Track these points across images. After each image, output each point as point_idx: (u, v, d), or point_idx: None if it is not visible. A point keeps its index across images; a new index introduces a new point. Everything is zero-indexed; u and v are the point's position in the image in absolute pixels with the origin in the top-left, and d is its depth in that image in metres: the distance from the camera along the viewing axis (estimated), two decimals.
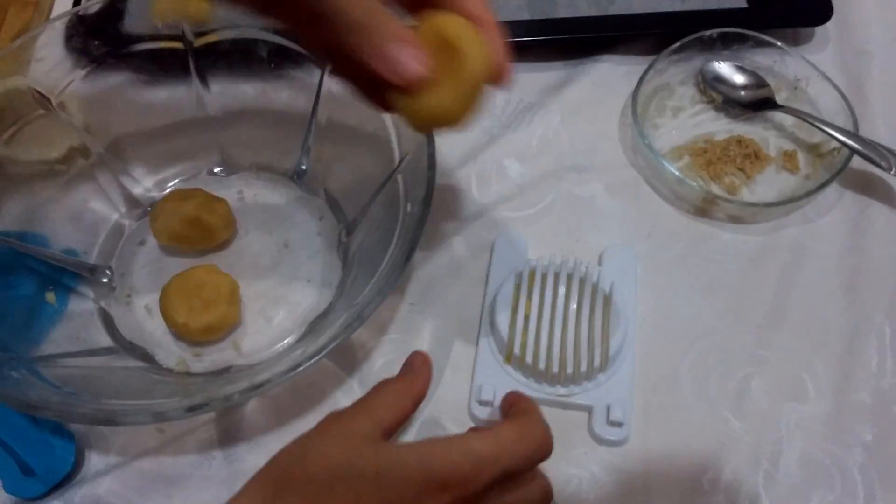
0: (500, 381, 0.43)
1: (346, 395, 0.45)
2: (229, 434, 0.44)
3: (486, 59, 0.29)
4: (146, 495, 0.42)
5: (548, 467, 0.34)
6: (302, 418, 0.44)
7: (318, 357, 0.36)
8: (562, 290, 0.44)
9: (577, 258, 0.46)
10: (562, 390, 0.43)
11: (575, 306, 0.44)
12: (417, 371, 0.37)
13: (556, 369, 0.42)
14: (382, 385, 0.36)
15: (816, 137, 0.51)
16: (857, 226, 0.49)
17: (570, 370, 0.42)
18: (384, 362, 0.46)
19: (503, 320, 0.44)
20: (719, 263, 0.48)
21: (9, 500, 0.42)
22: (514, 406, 0.37)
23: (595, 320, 0.44)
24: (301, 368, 0.36)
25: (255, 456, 0.43)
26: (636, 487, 0.42)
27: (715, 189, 0.50)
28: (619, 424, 0.42)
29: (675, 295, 0.47)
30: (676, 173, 0.48)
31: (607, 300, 0.44)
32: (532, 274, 0.45)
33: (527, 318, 0.44)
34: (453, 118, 0.30)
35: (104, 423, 0.35)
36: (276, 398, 0.44)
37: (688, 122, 0.54)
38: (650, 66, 0.52)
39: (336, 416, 0.33)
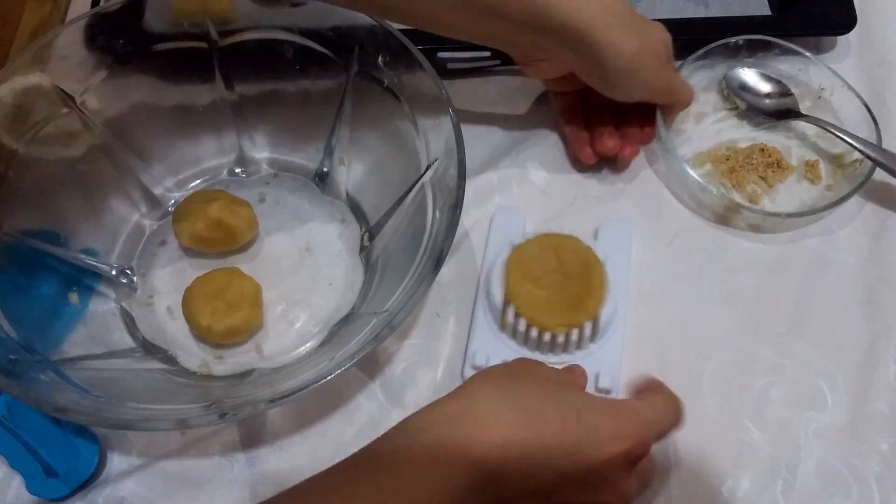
0: (494, 347, 0.45)
1: (368, 399, 0.45)
2: (252, 437, 0.44)
3: None
4: (169, 497, 0.42)
5: None
6: (324, 421, 0.44)
7: (349, 365, 0.36)
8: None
9: (572, 231, 0.47)
10: (553, 358, 0.44)
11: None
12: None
13: (547, 337, 0.43)
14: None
15: (839, 148, 0.51)
16: (878, 237, 0.50)
17: (560, 339, 0.43)
18: (406, 367, 0.46)
19: (497, 289, 0.44)
20: (740, 272, 0.48)
21: (31, 501, 0.42)
22: (649, 386, 0.41)
23: None
24: (331, 376, 0.36)
25: (277, 459, 0.43)
26: (656, 495, 0.42)
27: (736, 197, 0.50)
28: (608, 392, 0.43)
29: (696, 303, 0.47)
30: (699, 180, 0.48)
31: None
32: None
33: None
34: None
35: (132, 428, 0.36)
36: (299, 402, 0.44)
37: (710, 128, 0.54)
38: None
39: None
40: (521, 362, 0.38)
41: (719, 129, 0.54)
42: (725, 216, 0.50)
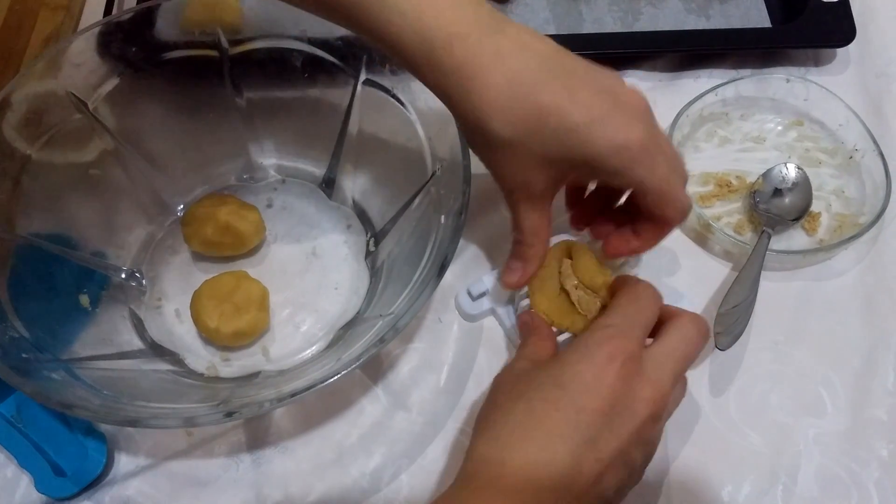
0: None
1: (371, 403, 0.45)
2: (257, 438, 0.44)
3: None
4: (175, 497, 0.43)
5: None
6: (328, 424, 0.45)
7: (354, 366, 0.36)
8: None
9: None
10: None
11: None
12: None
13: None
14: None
15: (852, 209, 0.51)
16: (876, 244, 0.50)
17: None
18: (409, 371, 0.46)
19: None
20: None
21: (39, 500, 0.43)
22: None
23: None
24: (337, 377, 0.36)
25: (282, 460, 0.44)
26: (657, 500, 0.42)
27: (713, 221, 0.49)
28: None
29: (693, 310, 0.48)
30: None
31: None
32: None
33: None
34: None
35: (140, 425, 0.36)
36: (304, 404, 0.45)
37: (730, 155, 0.54)
38: (707, 92, 0.52)
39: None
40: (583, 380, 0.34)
41: (737, 158, 0.53)
42: (702, 234, 0.51)
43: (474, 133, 0.37)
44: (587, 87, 0.35)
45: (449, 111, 0.39)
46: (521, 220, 0.39)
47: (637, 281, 0.39)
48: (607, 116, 0.35)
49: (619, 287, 0.39)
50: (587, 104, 0.35)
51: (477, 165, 0.41)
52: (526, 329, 0.42)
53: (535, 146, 0.35)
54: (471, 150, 0.40)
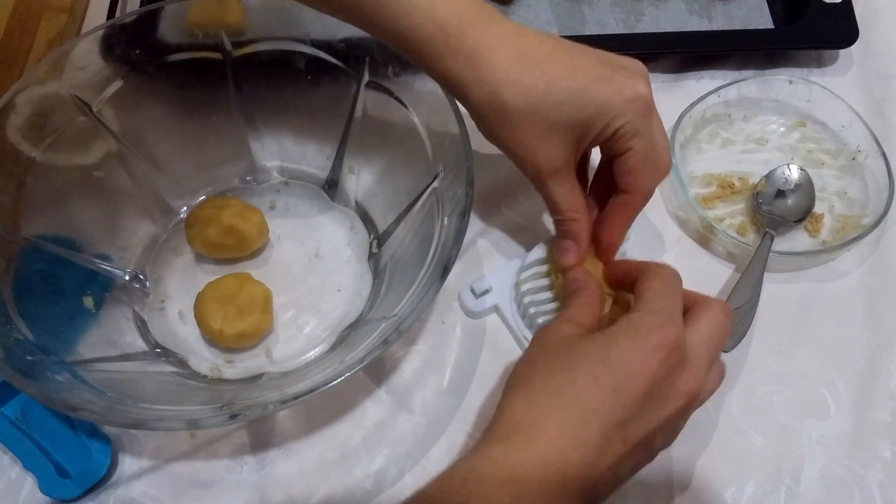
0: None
1: (374, 404, 0.45)
2: (261, 440, 0.44)
3: None
4: (178, 498, 0.43)
5: None
6: (331, 425, 0.45)
7: (357, 368, 0.36)
8: None
9: None
10: None
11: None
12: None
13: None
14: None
15: (855, 210, 0.51)
16: (879, 246, 0.50)
17: None
18: (412, 372, 0.46)
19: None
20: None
21: (44, 502, 0.43)
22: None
23: None
24: (340, 379, 0.36)
25: (285, 461, 0.44)
26: (660, 502, 0.42)
27: (716, 222, 0.49)
28: None
29: None
30: (687, 196, 0.49)
31: None
32: None
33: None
34: None
35: (144, 427, 0.36)
36: (307, 406, 0.45)
37: (733, 156, 0.54)
38: (710, 93, 0.52)
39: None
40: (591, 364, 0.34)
41: (740, 159, 0.53)
42: (705, 236, 0.51)
43: (489, 115, 0.38)
44: (588, 56, 0.38)
45: (456, 106, 0.41)
46: (553, 197, 0.41)
47: (658, 265, 0.39)
48: (612, 74, 0.38)
49: (644, 271, 0.38)
50: (590, 68, 0.38)
51: (479, 167, 0.41)
52: (575, 284, 0.41)
53: (547, 113, 0.37)
54: (489, 141, 0.40)
